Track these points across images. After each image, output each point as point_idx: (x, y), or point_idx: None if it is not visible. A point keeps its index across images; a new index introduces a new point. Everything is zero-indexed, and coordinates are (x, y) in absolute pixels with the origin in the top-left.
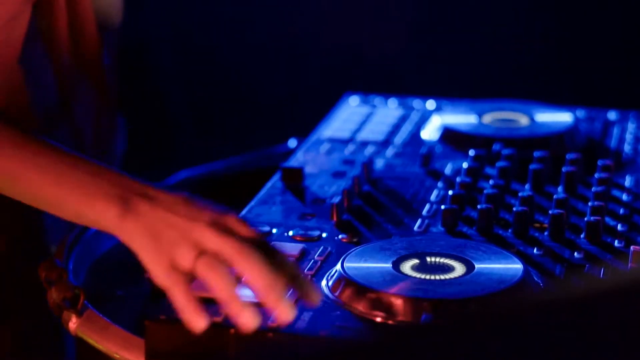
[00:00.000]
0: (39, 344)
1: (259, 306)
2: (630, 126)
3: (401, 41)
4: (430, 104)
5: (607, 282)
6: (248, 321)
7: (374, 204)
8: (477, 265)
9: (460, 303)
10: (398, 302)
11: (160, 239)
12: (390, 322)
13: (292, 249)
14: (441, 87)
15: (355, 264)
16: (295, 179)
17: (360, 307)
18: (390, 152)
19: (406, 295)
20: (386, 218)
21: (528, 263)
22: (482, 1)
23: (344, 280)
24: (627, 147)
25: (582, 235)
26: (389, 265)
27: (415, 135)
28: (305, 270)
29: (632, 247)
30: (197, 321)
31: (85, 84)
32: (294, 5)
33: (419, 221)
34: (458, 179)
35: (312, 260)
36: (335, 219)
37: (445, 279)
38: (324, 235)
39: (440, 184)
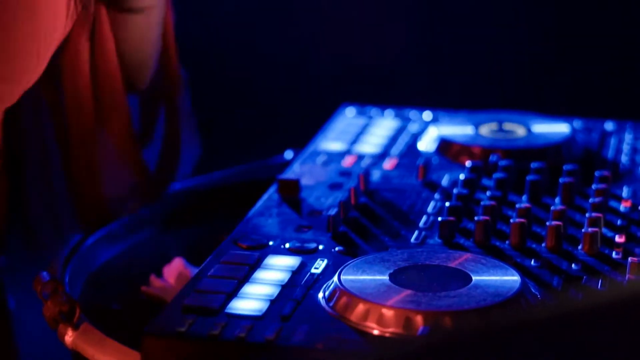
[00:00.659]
0: None
1: (254, 320)
2: (628, 137)
3: (398, 53)
4: (427, 115)
5: (605, 293)
6: None
7: (371, 216)
8: (475, 278)
9: (456, 315)
10: (394, 315)
11: None
12: (387, 334)
13: (291, 261)
14: (438, 99)
15: (352, 276)
16: (291, 191)
17: (357, 319)
18: (386, 163)
19: (403, 307)
20: (383, 230)
21: (525, 275)
22: (478, 14)
23: (340, 292)
24: (624, 158)
25: (579, 247)
26: (385, 277)
27: (411, 146)
28: (302, 283)
29: (630, 259)
30: None
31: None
32: (290, 18)
33: (416, 233)
34: (455, 191)
35: (309, 273)
36: (331, 231)
37: (442, 292)
38: (320, 247)
39: (437, 196)
